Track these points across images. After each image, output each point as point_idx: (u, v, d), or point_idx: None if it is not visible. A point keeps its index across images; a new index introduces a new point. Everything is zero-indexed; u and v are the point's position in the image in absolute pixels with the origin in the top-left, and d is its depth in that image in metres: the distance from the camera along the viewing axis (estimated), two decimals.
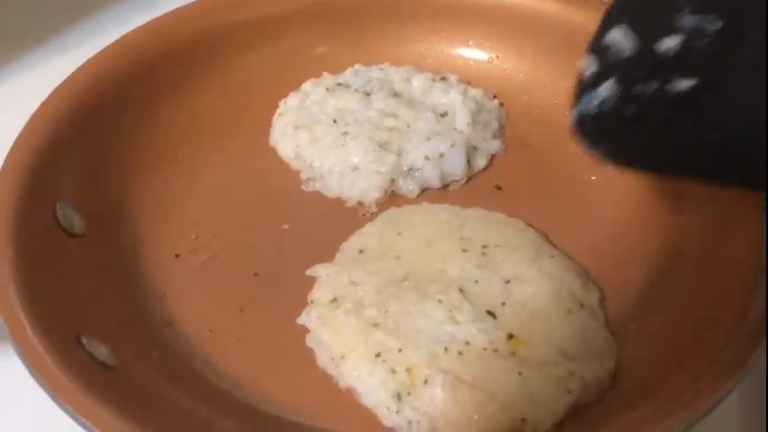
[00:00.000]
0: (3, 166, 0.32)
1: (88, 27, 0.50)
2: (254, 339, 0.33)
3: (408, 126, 0.40)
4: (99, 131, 0.37)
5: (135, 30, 0.39)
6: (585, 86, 0.26)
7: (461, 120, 0.41)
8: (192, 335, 0.33)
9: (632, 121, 0.24)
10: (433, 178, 0.39)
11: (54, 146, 0.34)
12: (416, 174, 0.39)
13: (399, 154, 0.39)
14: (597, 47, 0.25)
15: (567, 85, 0.40)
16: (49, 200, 0.33)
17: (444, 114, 0.41)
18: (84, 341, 0.29)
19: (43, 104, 0.35)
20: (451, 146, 0.39)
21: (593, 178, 0.38)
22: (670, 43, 0.22)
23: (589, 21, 0.40)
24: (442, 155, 0.39)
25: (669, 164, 0.24)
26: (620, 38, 0.24)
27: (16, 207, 0.31)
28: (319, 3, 0.43)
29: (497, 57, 0.43)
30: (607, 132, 0.25)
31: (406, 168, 0.39)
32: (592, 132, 0.26)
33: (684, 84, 0.22)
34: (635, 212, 0.36)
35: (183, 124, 0.40)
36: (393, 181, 0.39)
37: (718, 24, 0.21)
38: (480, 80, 0.43)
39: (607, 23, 0.25)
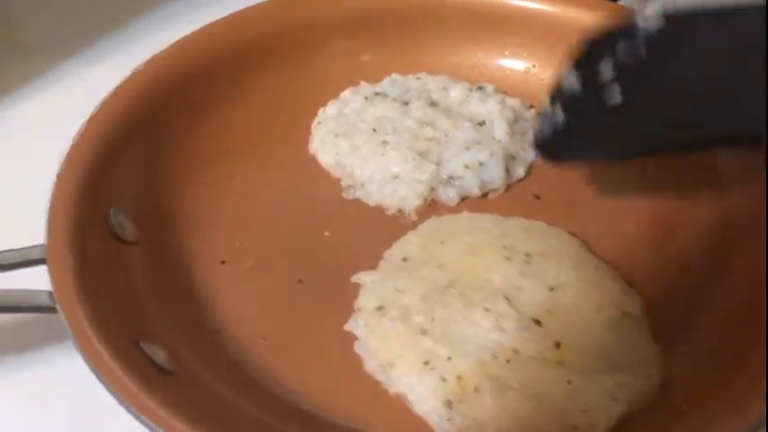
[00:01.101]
0: (58, 174, 0.33)
1: (130, 33, 0.51)
2: (302, 346, 0.34)
3: (446, 135, 0.41)
4: (148, 139, 0.37)
5: (182, 39, 0.40)
6: (543, 119, 0.34)
7: (500, 129, 0.41)
8: (241, 341, 0.33)
9: (576, 130, 0.32)
10: (472, 187, 0.39)
11: (106, 154, 0.35)
12: (456, 182, 0.40)
13: (438, 163, 0.40)
14: (555, 93, 0.33)
15: None
16: (103, 207, 0.34)
17: (482, 123, 0.42)
18: (144, 346, 0.30)
19: (95, 113, 0.36)
20: (491, 155, 0.40)
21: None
22: (606, 73, 0.30)
23: None
24: (481, 164, 0.40)
25: (603, 151, 0.33)
26: (569, 80, 0.32)
27: (73, 215, 0.32)
28: (357, 13, 0.44)
29: (534, 66, 0.44)
30: (560, 144, 0.33)
31: (445, 177, 0.40)
32: (550, 149, 0.34)
33: (616, 100, 0.30)
34: (676, 221, 0.37)
35: (226, 131, 0.41)
36: (433, 189, 0.39)
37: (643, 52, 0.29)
38: (517, 90, 0.43)
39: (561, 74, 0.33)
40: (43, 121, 0.46)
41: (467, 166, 0.40)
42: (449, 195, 0.39)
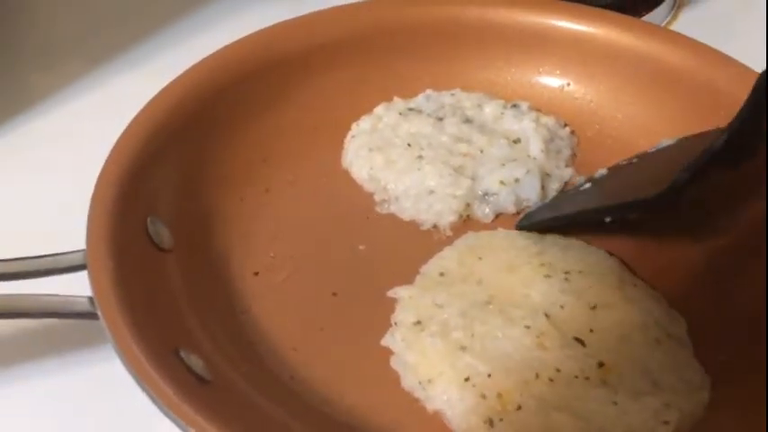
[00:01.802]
0: (98, 181, 0.33)
1: (162, 40, 0.51)
2: (338, 359, 0.33)
3: (482, 152, 0.41)
4: (186, 148, 0.37)
5: (220, 50, 0.40)
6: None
7: (535, 146, 0.41)
8: (276, 352, 0.33)
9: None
10: (508, 203, 0.39)
11: (145, 162, 0.34)
12: (491, 198, 0.39)
13: (474, 179, 0.40)
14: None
15: (639, 116, 0.42)
16: (141, 215, 0.33)
17: (517, 141, 0.41)
18: (183, 354, 0.29)
19: (134, 121, 0.35)
20: (527, 172, 0.40)
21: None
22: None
23: (661, 52, 0.42)
24: (517, 180, 0.39)
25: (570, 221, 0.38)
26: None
27: (112, 221, 0.31)
28: (390, 28, 0.44)
29: (568, 84, 0.44)
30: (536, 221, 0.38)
31: (481, 193, 0.39)
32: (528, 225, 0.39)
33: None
34: (717, 244, 0.36)
35: (261, 143, 0.40)
36: (468, 205, 0.39)
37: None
38: (551, 108, 0.43)
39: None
40: (76, 129, 0.46)
41: (502, 183, 0.39)
42: (484, 212, 0.39)
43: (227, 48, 0.40)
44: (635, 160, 0.38)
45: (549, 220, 0.37)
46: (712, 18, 0.55)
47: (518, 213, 0.39)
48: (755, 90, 0.31)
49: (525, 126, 0.42)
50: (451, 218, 0.39)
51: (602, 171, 0.39)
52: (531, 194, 0.40)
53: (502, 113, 0.43)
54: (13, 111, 0.47)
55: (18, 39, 0.53)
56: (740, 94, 0.38)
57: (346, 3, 0.47)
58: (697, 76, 0.40)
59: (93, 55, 0.51)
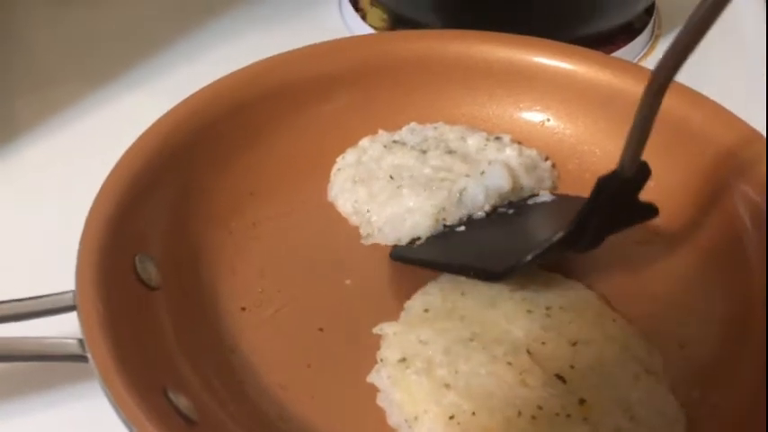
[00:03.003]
0: (87, 221, 0.33)
1: (154, 66, 0.52)
2: (325, 396, 0.34)
3: (459, 175, 0.41)
4: (172, 185, 0.38)
5: (208, 86, 0.40)
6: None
7: (514, 161, 0.42)
8: (264, 390, 0.33)
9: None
10: (477, 195, 0.40)
11: (134, 200, 0.35)
12: (464, 195, 0.40)
13: (450, 191, 0.40)
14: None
15: (616, 151, 0.43)
16: (130, 253, 0.34)
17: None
18: (171, 395, 0.30)
19: (122, 158, 0.36)
20: (489, 163, 0.40)
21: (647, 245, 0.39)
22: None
23: (637, 90, 0.42)
24: (482, 172, 0.40)
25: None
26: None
27: (102, 263, 0.32)
28: (376, 63, 0.45)
29: (548, 120, 0.45)
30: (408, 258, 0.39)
31: (455, 195, 0.40)
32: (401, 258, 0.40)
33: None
34: (693, 278, 0.37)
35: (248, 177, 0.41)
36: (444, 209, 0.39)
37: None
38: (532, 142, 0.44)
39: None
40: (63, 159, 0.46)
41: (467, 175, 0.40)
42: (459, 215, 0.40)
43: (215, 83, 0.41)
44: (510, 211, 0.40)
45: (418, 261, 0.39)
46: None
47: (493, 211, 0.40)
48: (594, 192, 0.34)
49: (508, 154, 0.43)
50: (428, 222, 0.39)
51: (481, 213, 0.40)
52: (499, 182, 0.40)
53: (485, 145, 0.44)
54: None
55: (3, 63, 0.53)
56: (712, 131, 0.40)
57: (334, 38, 0.49)
58: (671, 114, 0.40)
59: (82, 81, 0.51)
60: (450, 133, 0.45)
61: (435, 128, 0.45)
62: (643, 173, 0.34)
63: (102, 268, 0.32)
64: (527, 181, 0.41)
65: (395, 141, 0.44)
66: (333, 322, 0.36)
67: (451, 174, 0.42)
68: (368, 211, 0.41)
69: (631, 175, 0.34)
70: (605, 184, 0.34)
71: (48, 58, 0.53)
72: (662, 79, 0.32)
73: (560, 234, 0.34)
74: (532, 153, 0.44)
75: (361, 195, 0.42)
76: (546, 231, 0.36)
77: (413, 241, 0.39)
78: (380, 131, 0.45)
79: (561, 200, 0.41)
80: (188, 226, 0.38)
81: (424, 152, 0.43)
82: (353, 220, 0.42)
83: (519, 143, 0.44)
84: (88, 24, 0.56)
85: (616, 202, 0.35)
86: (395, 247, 0.40)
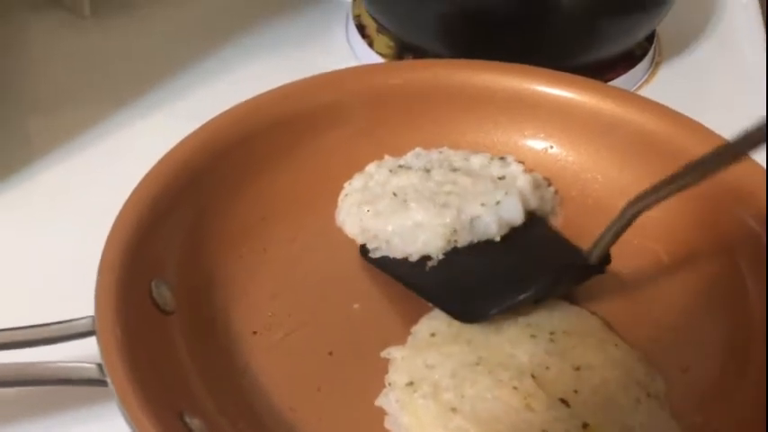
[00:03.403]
0: (105, 249, 0.34)
1: (166, 92, 0.52)
2: (334, 419, 0.34)
3: (466, 189, 0.42)
4: (187, 211, 0.39)
5: (222, 114, 0.41)
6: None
7: (522, 181, 0.43)
8: (275, 412, 0.34)
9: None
10: (491, 225, 0.40)
11: (150, 226, 0.36)
12: (476, 222, 0.41)
13: (459, 210, 0.41)
14: None
15: (618, 179, 0.44)
16: (146, 279, 0.35)
17: (502, 177, 0.43)
18: (187, 419, 0.31)
19: (139, 185, 0.37)
20: (506, 194, 0.41)
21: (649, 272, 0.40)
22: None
23: (637, 119, 0.44)
24: (498, 202, 0.41)
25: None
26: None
27: (120, 289, 0.33)
28: (384, 92, 0.46)
29: (551, 147, 0.46)
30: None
31: (466, 219, 0.41)
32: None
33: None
34: (695, 304, 0.38)
35: (259, 203, 0.42)
36: (455, 231, 0.40)
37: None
38: (535, 168, 0.45)
39: None
40: (79, 184, 0.47)
41: (483, 204, 0.41)
42: (470, 239, 0.40)
43: (227, 112, 0.42)
44: (497, 239, 0.41)
45: (392, 274, 0.40)
46: (688, 73, 0.57)
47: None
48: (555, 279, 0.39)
49: (513, 170, 0.44)
50: (440, 243, 0.40)
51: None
52: (513, 215, 0.41)
53: (489, 163, 0.45)
54: (12, 164, 0.48)
55: (17, 85, 0.54)
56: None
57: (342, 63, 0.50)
58: (670, 142, 0.42)
59: (98, 104, 0.51)
60: (455, 156, 0.45)
61: (440, 152, 0.46)
62: (606, 260, 0.38)
63: (120, 294, 0.33)
64: (533, 201, 0.42)
65: (400, 166, 0.45)
66: (342, 346, 0.37)
67: (456, 187, 0.42)
68: (373, 226, 0.42)
69: (595, 262, 0.38)
70: (566, 272, 0.39)
71: (62, 81, 0.54)
72: (641, 207, 0.36)
73: (523, 295, 0.38)
74: (537, 176, 0.45)
75: (365, 215, 0.42)
76: (519, 276, 0.39)
77: (423, 259, 0.40)
78: (386, 157, 0.46)
79: (548, 239, 0.42)
80: (202, 251, 0.39)
81: (428, 171, 0.44)
82: (361, 239, 0.42)
83: (522, 163, 0.45)
84: (103, 46, 0.57)
85: (575, 281, 0.39)
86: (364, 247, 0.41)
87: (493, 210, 0.41)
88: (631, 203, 0.36)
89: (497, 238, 0.41)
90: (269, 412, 0.34)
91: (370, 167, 0.45)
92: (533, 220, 0.42)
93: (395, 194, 0.43)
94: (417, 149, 0.46)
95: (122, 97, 0.52)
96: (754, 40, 0.60)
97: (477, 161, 0.45)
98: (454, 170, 0.44)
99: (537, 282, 0.38)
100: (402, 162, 0.46)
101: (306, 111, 0.44)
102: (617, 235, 0.37)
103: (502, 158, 0.45)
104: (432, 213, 0.40)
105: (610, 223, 0.37)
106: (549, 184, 0.45)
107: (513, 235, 0.41)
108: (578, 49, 0.52)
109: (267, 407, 0.34)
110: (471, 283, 0.40)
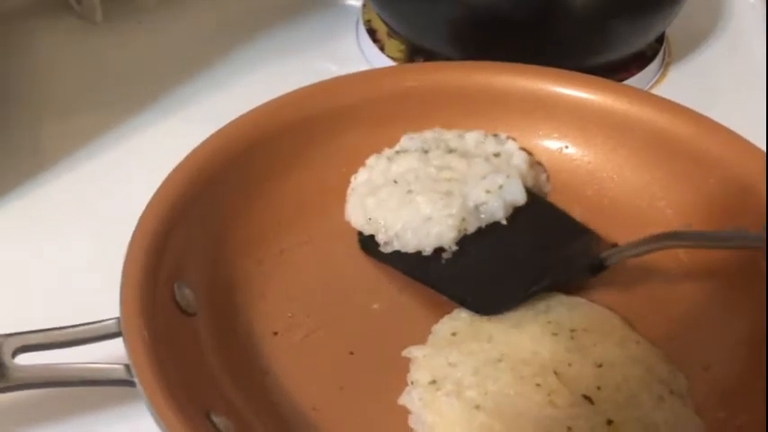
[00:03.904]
0: (128, 252, 0.34)
1: (181, 97, 0.52)
2: (357, 418, 0.35)
3: (465, 173, 0.43)
4: (207, 214, 0.39)
5: (238, 118, 0.42)
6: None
7: (518, 158, 0.44)
8: (297, 411, 0.34)
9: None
10: (497, 210, 0.41)
11: (172, 229, 0.36)
12: (482, 208, 0.41)
13: (463, 197, 0.41)
14: None
15: (633, 177, 0.45)
16: (170, 281, 0.35)
17: (497, 155, 0.44)
18: (214, 418, 0.31)
19: (159, 189, 0.37)
20: (507, 177, 0.42)
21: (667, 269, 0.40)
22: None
23: (652, 118, 0.44)
24: (500, 186, 0.42)
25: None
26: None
27: (144, 291, 0.33)
28: (399, 94, 0.46)
29: (566, 147, 0.46)
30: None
31: (472, 206, 0.41)
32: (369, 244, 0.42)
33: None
34: (713, 301, 0.38)
35: (275, 205, 0.42)
36: (464, 220, 0.41)
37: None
38: (551, 168, 0.45)
39: None
40: (94, 190, 0.47)
41: (488, 191, 0.41)
42: (477, 225, 0.41)
43: (244, 116, 0.42)
44: (504, 221, 0.41)
45: (398, 267, 0.40)
46: (698, 73, 0.58)
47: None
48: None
49: (508, 147, 0.45)
50: (452, 234, 0.40)
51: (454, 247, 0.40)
52: (516, 196, 0.42)
53: (484, 140, 0.45)
54: (25, 170, 0.47)
55: (28, 92, 0.53)
56: (729, 159, 0.41)
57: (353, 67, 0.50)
58: (687, 141, 0.42)
59: (110, 109, 0.51)
60: (449, 134, 0.46)
61: (433, 131, 0.46)
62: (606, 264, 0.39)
63: (144, 296, 0.33)
64: (529, 179, 0.43)
65: (397, 152, 0.45)
66: (363, 346, 0.37)
67: (455, 172, 0.43)
68: (380, 217, 0.42)
69: (598, 262, 0.39)
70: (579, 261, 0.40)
71: (74, 87, 0.54)
72: (671, 245, 0.38)
73: (540, 285, 0.38)
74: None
75: (369, 206, 0.42)
76: (533, 263, 0.40)
77: (438, 251, 0.40)
78: (386, 149, 0.45)
79: (556, 218, 0.42)
80: (221, 254, 0.39)
81: (426, 152, 0.44)
82: (367, 230, 0.42)
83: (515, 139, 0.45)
84: (115, 52, 0.57)
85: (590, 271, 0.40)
86: (361, 236, 0.41)
87: (497, 194, 0.41)
88: (667, 235, 0.38)
89: (504, 221, 0.41)
90: (292, 412, 0.34)
91: (370, 160, 0.45)
92: (533, 197, 0.42)
93: (395, 182, 0.43)
94: (409, 133, 0.46)
95: (135, 103, 0.52)
96: (762, 40, 0.60)
97: (471, 138, 0.45)
98: (450, 151, 0.44)
99: (553, 269, 0.38)
100: (398, 148, 0.46)
101: (319, 114, 0.44)
102: (637, 255, 0.38)
103: (495, 135, 0.45)
104: (439, 205, 0.41)
105: (638, 241, 0.38)
106: (539, 163, 0.45)
107: (518, 215, 0.42)
108: (589, 51, 0.53)
109: (290, 406, 0.35)
110: (486, 273, 0.40)
